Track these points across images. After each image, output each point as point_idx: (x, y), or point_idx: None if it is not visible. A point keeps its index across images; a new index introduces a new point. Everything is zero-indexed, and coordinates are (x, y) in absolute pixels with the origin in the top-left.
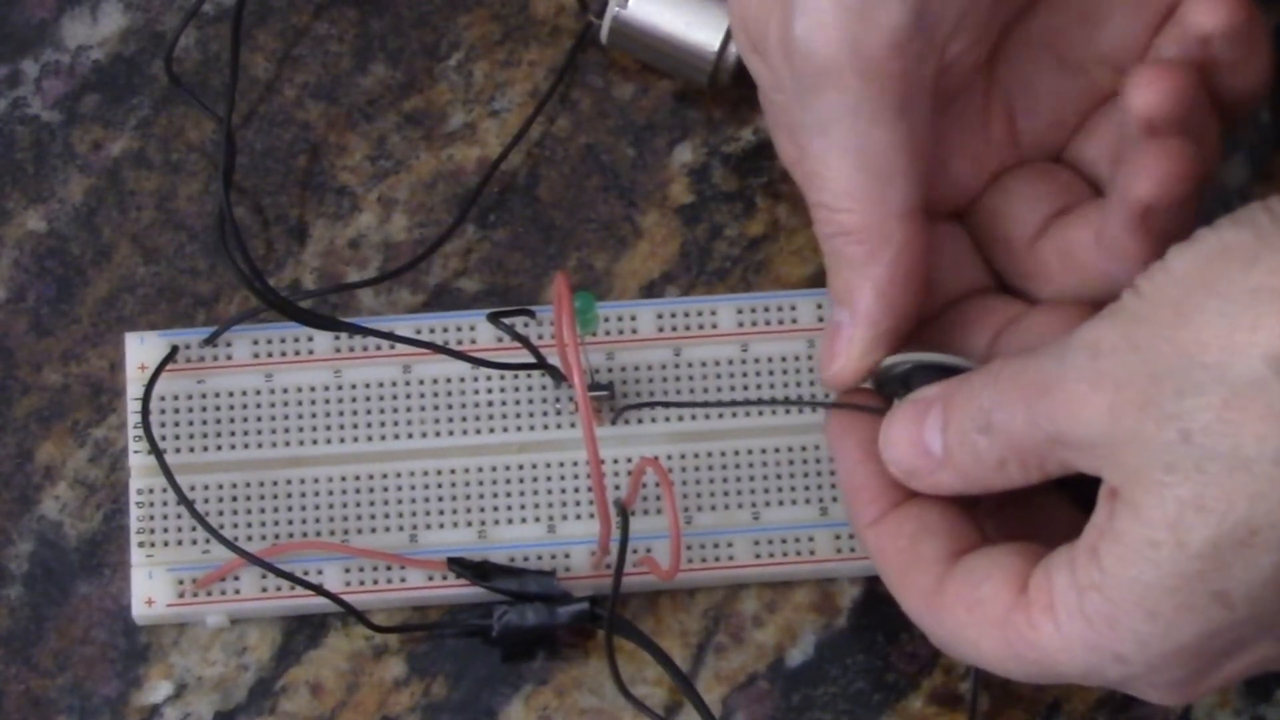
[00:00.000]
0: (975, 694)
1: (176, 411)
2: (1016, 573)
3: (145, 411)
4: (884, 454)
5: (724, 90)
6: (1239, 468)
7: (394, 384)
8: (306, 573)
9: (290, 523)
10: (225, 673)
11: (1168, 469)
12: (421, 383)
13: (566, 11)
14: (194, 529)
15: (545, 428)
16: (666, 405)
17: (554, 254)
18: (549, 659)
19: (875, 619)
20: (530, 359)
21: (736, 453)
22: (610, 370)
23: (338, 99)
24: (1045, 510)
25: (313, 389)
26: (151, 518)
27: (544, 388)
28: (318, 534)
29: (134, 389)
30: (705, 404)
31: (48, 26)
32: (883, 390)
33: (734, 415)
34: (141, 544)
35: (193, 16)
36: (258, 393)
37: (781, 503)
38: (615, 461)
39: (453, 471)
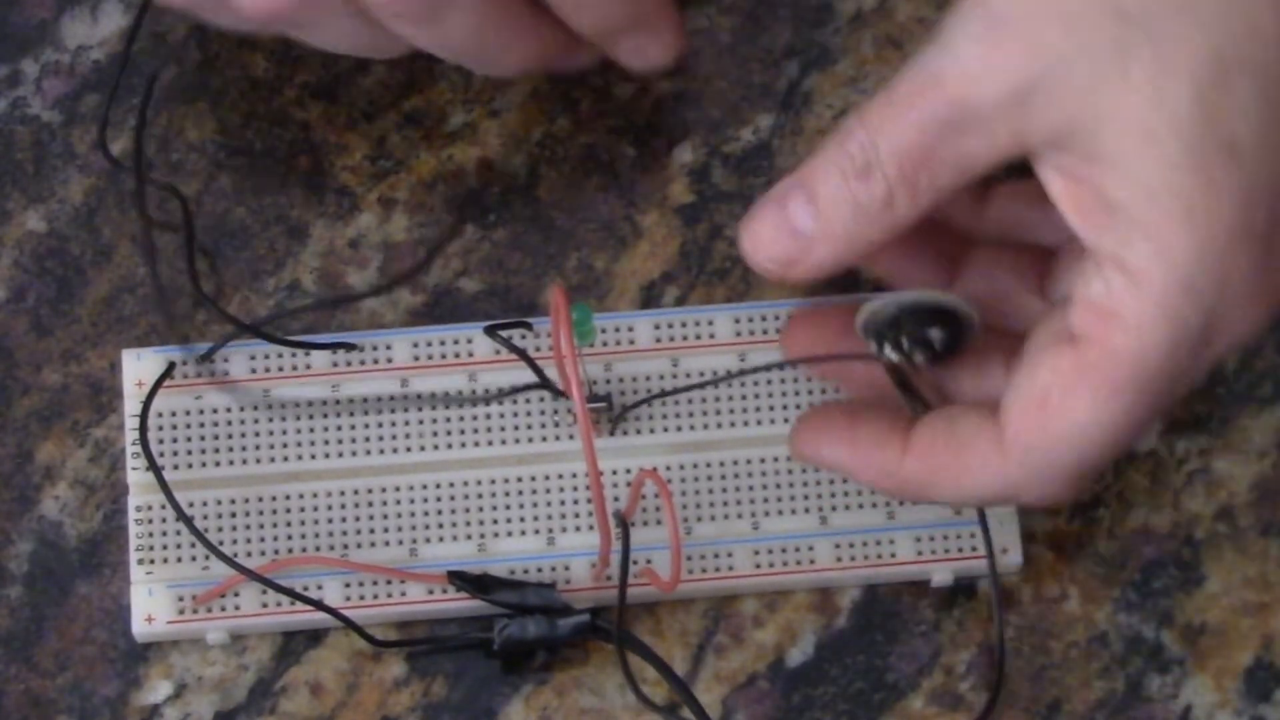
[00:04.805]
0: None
1: (174, 428)
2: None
3: (143, 429)
4: (752, 255)
5: (724, 90)
6: (1186, 10)
7: (392, 398)
8: (306, 588)
9: (289, 538)
10: (225, 673)
11: (1118, 51)
12: (419, 396)
13: None
14: (193, 545)
15: (544, 440)
16: (664, 395)
17: (554, 254)
18: (549, 660)
19: (875, 619)
20: (529, 376)
21: (735, 463)
22: (608, 381)
23: (338, 99)
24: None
25: (310, 404)
26: (150, 534)
27: (542, 399)
28: (317, 549)
29: (131, 405)
30: (700, 384)
31: (48, 26)
32: (868, 337)
33: (733, 425)
34: (141, 561)
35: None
36: (255, 408)
37: (781, 512)
38: (614, 473)
39: (452, 485)
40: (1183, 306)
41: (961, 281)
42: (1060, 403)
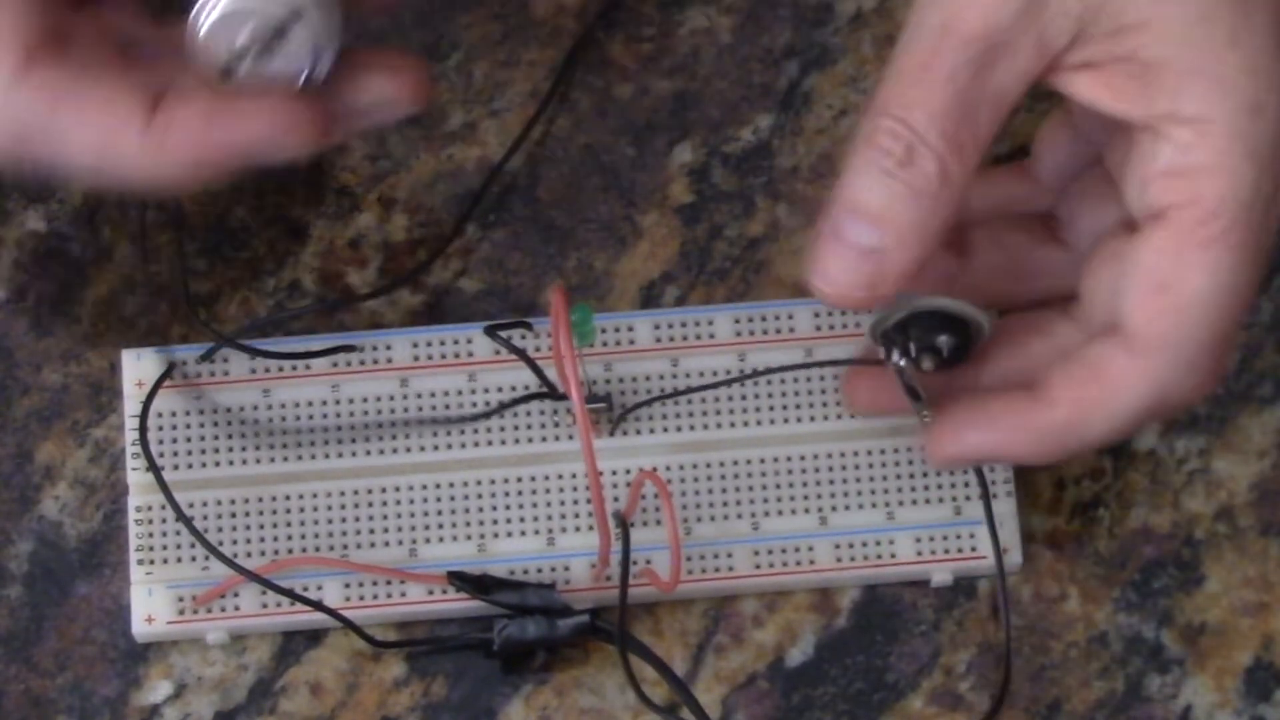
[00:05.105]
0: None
1: (174, 428)
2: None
3: (143, 429)
4: (830, 293)
5: (724, 90)
6: None
7: (391, 398)
8: (306, 588)
9: (289, 538)
10: (225, 673)
11: None
12: (419, 396)
13: (566, 11)
14: (193, 546)
15: (544, 440)
16: (665, 398)
17: (554, 254)
18: (549, 660)
19: (875, 619)
20: (529, 376)
21: (735, 463)
22: (608, 381)
23: None
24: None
25: (310, 404)
26: (150, 535)
27: (542, 399)
28: (317, 549)
29: (131, 406)
30: (704, 386)
31: None
32: (877, 342)
33: (733, 426)
34: (141, 561)
35: None
36: (255, 408)
37: (780, 513)
38: (614, 473)
39: (451, 485)
40: (1254, 127)
41: (975, 257)
42: (1178, 277)
